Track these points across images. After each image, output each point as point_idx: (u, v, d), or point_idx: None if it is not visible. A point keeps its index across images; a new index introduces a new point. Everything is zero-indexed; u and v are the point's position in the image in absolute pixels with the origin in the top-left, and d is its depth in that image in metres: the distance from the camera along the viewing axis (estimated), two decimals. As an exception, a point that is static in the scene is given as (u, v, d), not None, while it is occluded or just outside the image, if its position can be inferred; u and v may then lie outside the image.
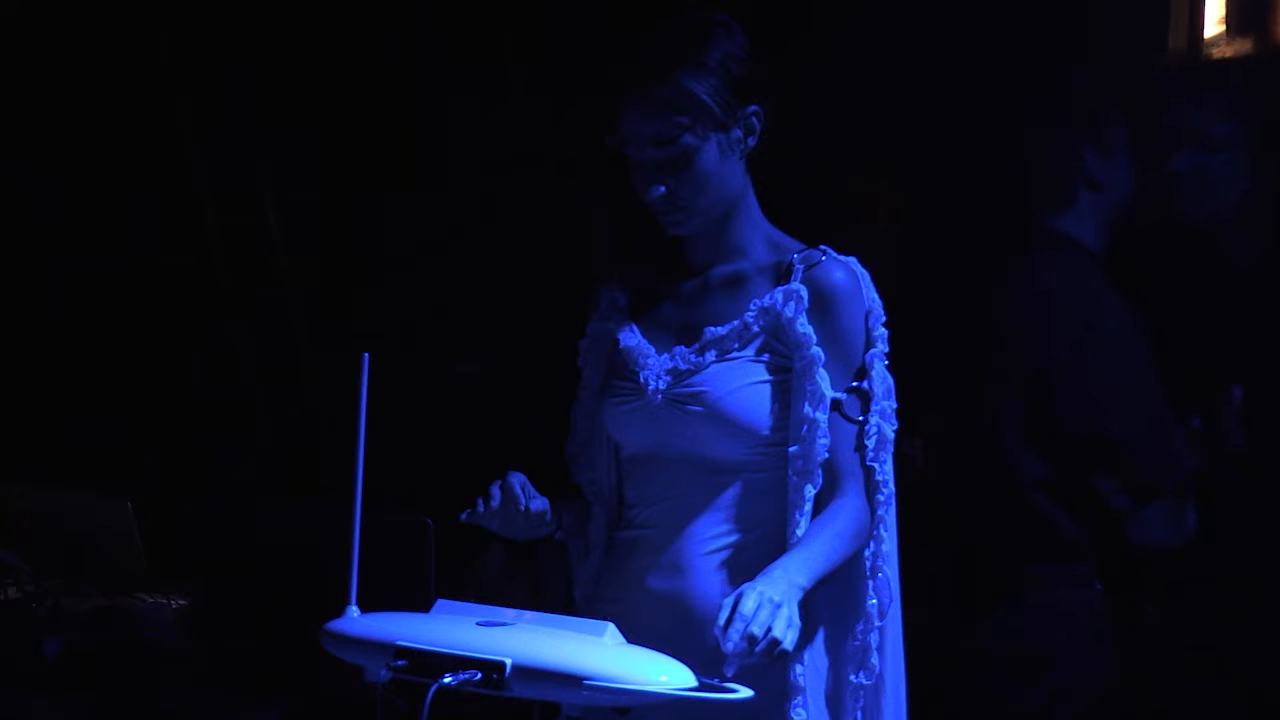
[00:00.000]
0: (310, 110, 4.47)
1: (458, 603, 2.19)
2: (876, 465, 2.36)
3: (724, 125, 2.33)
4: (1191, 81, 3.25)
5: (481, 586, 3.25)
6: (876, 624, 2.35)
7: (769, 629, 2.09)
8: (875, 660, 2.35)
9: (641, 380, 2.40)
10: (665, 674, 2.00)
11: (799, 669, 2.30)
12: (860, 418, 2.36)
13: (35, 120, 4.60)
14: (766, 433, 2.34)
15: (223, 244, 4.68)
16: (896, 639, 2.41)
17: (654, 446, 2.40)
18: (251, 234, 4.65)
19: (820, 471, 2.31)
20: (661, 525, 2.39)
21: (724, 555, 2.35)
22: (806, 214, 2.53)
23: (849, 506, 2.33)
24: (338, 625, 2.17)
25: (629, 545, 2.44)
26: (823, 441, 2.31)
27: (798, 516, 2.30)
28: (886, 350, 2.38)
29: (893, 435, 2.38)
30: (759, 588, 2.13)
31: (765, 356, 2.35)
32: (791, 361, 2.34)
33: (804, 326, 2.33)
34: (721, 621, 2.10)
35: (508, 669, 2.00)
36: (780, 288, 2.36)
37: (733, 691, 2.02)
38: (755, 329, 2.36)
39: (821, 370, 2.32)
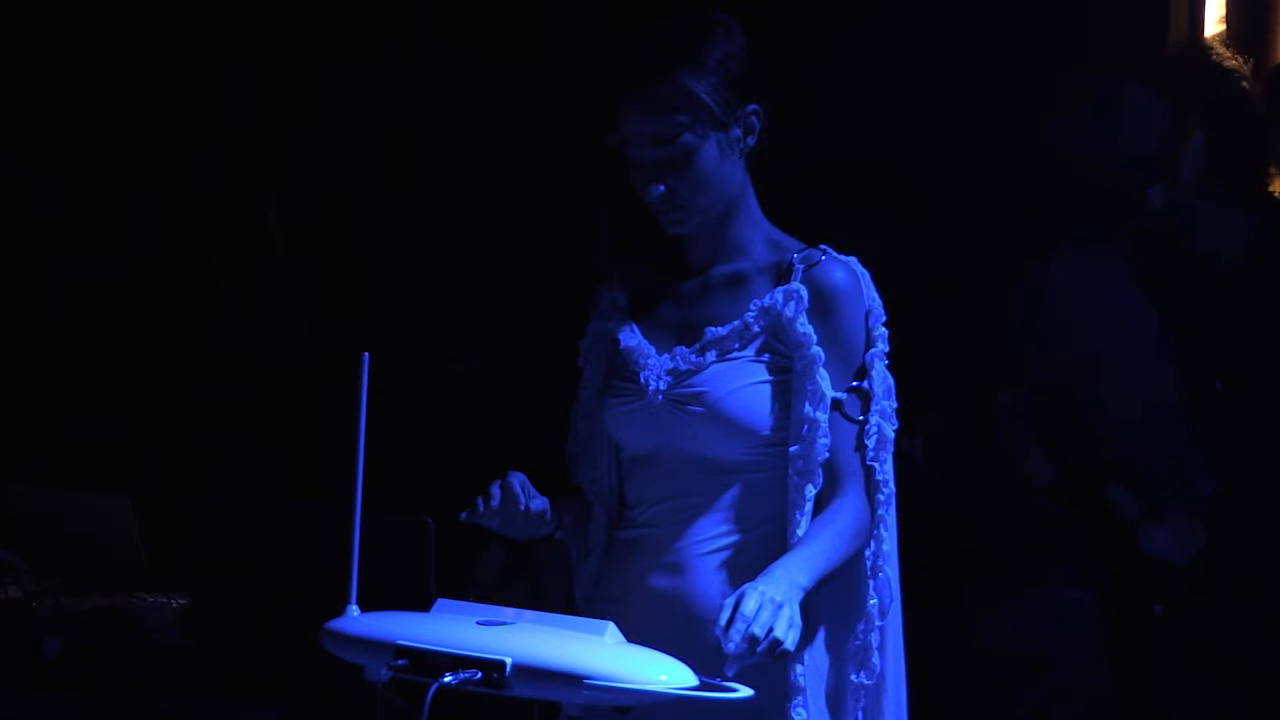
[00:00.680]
0: (310, 110, 4.47)
1: (458, 602, 2.19)
2: (876, 465, 2.37)
3: (723, 124, 2.34)
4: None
5: (481, 586, 3.25)
6: (877, 623, 2.36)
7: (770, 629, 2.09)
8: (876, 660, 2.35)
9: (642, 380, 2.40)
10: (665, 673, 2.00)
11: (800, 669, 2.30)
12: (860, 417, 2.36)
13: (35, 120, 4.60)
14: (767, 433, 2.34)
15: (223, 244, 4.67)
16: (897, 639, 2.42)
17: (654, 447, 2.40)
18: (251, 234, 4.65)
19: (821, 471, 2.31)
20: (662, 525, 2.39)
21: (724, 555, 2.35)
22: (807, 214, 2.54)
23: (849, 506, 2.33)
24: (338, 625, 2.17)
25: (629, 545, 2.44)
26: (823, 441, 2.31)
27: (798, 516, 2.30)
28: (886, 350, 2.38)
29: (893, 435, 2.38)
30: (760, 588, 2.13)
31: (766, 356, 2.35)
32: (792, 361, 2.34)
33: (804, 326, 2.33)
34: (723, 622, 2.10)
35: (508, 668, 2.00)
36: (780, 287, 2.36)
37: (733, 691, 2.02)
38: (755, 329, 2.36)
39: (822, 370, 2.32)
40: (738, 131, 2.36)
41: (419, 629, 2.10)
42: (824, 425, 2.31)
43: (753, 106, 2.36)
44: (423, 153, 4.40)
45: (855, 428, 2.35)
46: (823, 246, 2.39)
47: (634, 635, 2.10)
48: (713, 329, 2.38)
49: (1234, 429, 2.97)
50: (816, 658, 2.34)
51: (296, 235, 4.62)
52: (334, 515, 2.32)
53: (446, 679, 2.00)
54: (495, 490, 2.33)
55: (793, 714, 2.30)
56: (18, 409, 4.52)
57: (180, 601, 3.31)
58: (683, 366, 2.38)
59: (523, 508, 2.33)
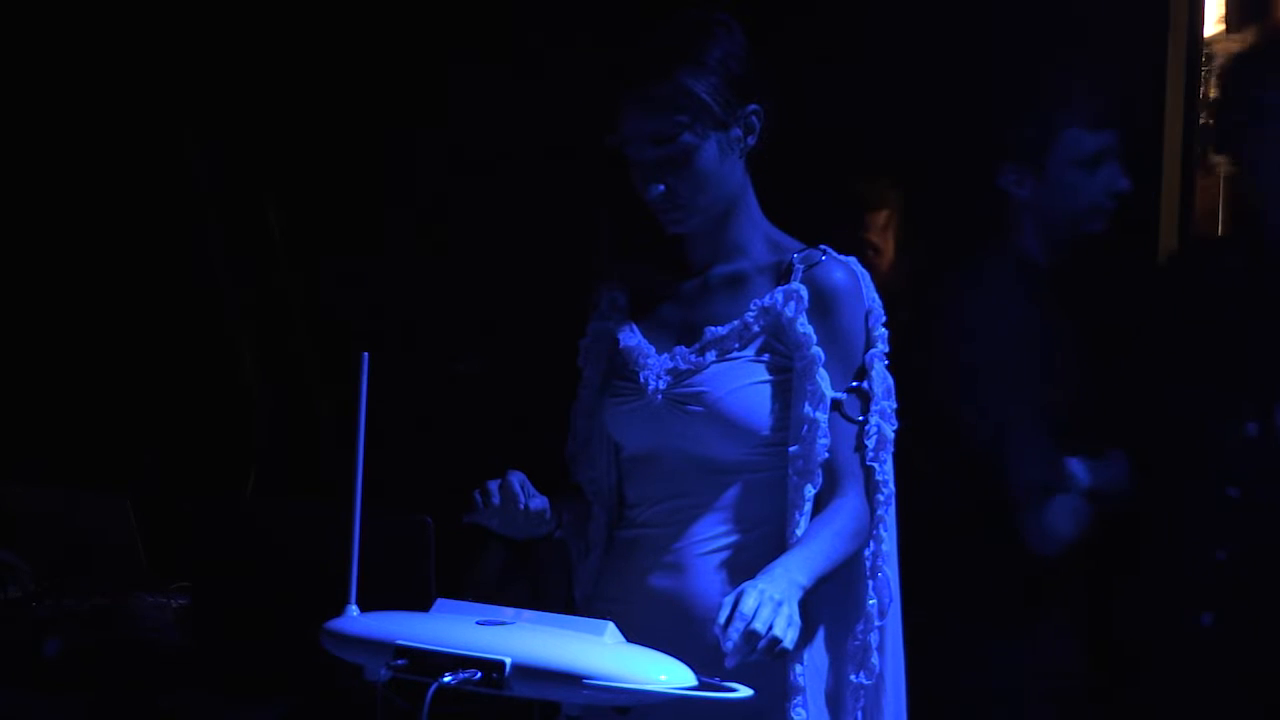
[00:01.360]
0: (310, 110, 4.47)
1: (458, 602, 2.19)
2: (876, 465, 2.37)
3: (724, 124, 2.34)
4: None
5: (481, 586, 3.24)
6: (876, 624, 2.36)
7: (769, 627, 2.09)
8: (875, 660, 2.36)
9: (642, 380, 2.40)
10: (665, 673, 2.00)
11: (799, 668, 2.30)
12: (860, 418, 2.36)
13: (35, 120, 4.60)
14: (767, 432, 2.34)
15: (223, 245, 4.67)
16: (897, 639, 2.42)
17: (654, 446, 2.40)
18: (252, 234, 4.65)
19: (820, 471, 2.31)
20: (662, 525, 2.40)
21: (724, 555, 2.35)
22: (806, 214, 2.54)
23: (849, 506, 2.33)
24: (338, 624, 2.17)
25: (629, 545, 2.44)
26: (823, 441, 2.31)
27: (798, 516, 2.31)
28: (886, 350, 2.38)
29: (893, 435, 2.39)
30: (759, 586, 2.13)
31: (765, 356, 2.35)
32: (792, 361, 2.34)
33: (804, 326, 2.33)
34: (721, 620, 2.10)
35: (507, 668, 2.00)
36: (780, 287, 2.36)
37: (733, 691, 2.02)
38: (755, 329, 2.36)
39: (822, 370, 2.32)
40: (738, 131, 2.36)
41: (419, 629, 2.10)
42: (824, 425, 2.31)
43: (753, 106, 2.36)
44: (422, 153, 4.40)
45: (855, 428, 2.36)
46: (823, 246, 2.40)
47: (634, 635, 2.10)
48: (712, 329, 2.38)
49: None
50: (816, 658, 2.34)
51: (296, 235, 4.62)
52: (334, 515, 2.32)
53: (446, 679, 2.00)
54: (495, 489, 2.34)
55: (792, 714, 2.30)
56: (18, 409, 4.53)
57: (180, 601, 3.31)
58: (682, 366, 2.38)
59: (522, 507, 2.33)
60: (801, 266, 2.37)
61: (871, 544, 2.36)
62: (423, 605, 2.19)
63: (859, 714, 2.37)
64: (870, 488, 2.37)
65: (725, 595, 2.15)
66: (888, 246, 3.53)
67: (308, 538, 2.80)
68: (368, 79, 4.40)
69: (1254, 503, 2.84)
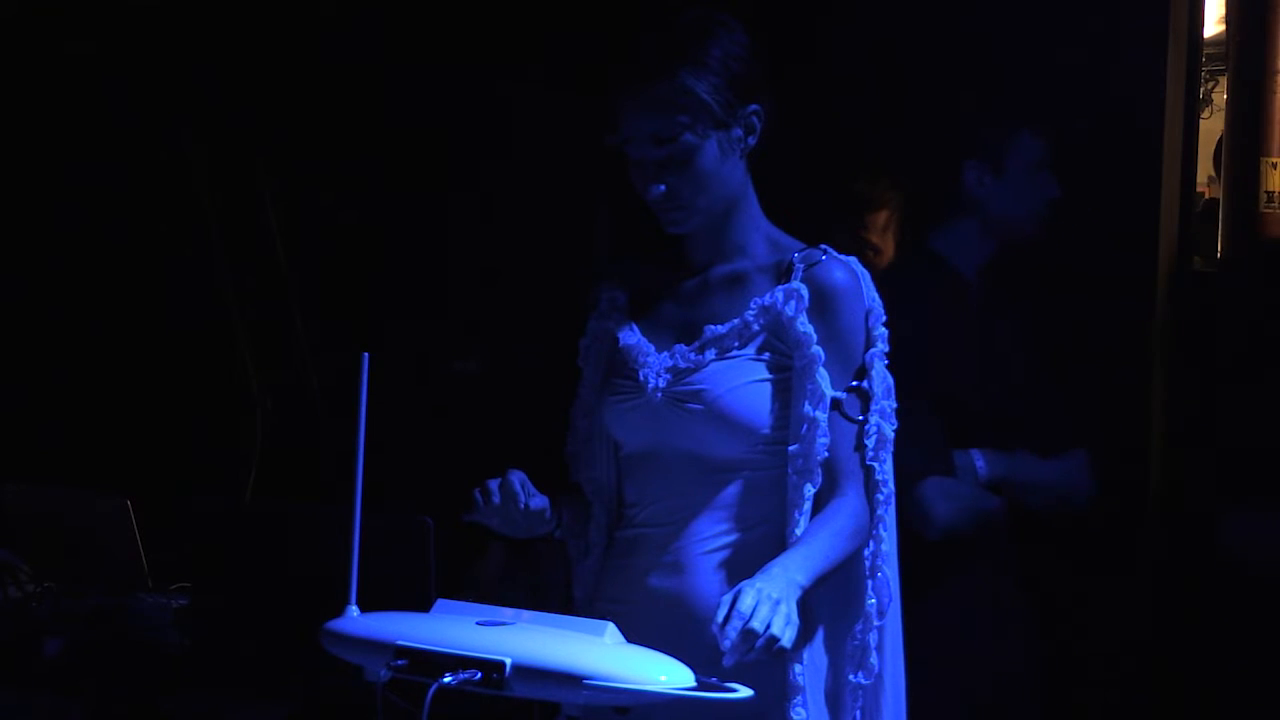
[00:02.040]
0: (310, 110, 4.47)
1: (458, 602, 2.18)
2: (876, 465, 2.37)
3: (724, 124, 2.33)
4: None
5: (481, 586, 3.24)
6: (875, 624, 2.36)
7: (767, 625, 2.09)
8: (874, 660, 2.35)
9: (641, 378, 2.40)
10: (665, 673, 2.00)
11: (798, 668, 2.30)
12: (860, 417, 2.36)
13: (35, 120, 4.60)
14: (766, 431, 2.34)
15: (223, 244, 4.67)
16: (896, 638, 2.42)
17: (654, 445, 2.40)
18: (252, 235, 4.65)
19: (820, 470, 2.31)
20: (661, 524, 2.39)
21: (724, 554, 2.35)
22: (806, 214, 2.53)
23: (848, 505, 2.33)
24: (338, 625, 2.17)
25: (629, 544, 2.44)
26: (822, 440, 2.31)
27: (797, 515, 2.30)
28: (886, 350, 2.38)
29: (892, 435, 2.39)
30: (758, 584, 2.13)
31: (765, 355, 2.35)
32: (791, 360, 2.34)
33: (804, 325, 2.33)
34: (720, 618, 2.10)
35: (508, 668, 2.00)
36: (780, 286, 2.36)
37: (732, 691, 2.02)
38: (755, 327, 2.36)
39: (821, 369, 2.32)
40: (739, 131, 2.36)
41: (419, 629, 2.10)
42: (823, 424, 2.31)
43: (754, 106, 2.36)
44: (423, 152, 4.40)
45: (855, 427, 2.36)
46: (823, 246, 2.40)
47: (634, 635, 2.10)
48: (712, 327, 2.38)
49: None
50: (815, 657, 2.34)
51: (296, 235, 4.62)
52: (334, 515, 2.32)
53: (446, 679, 2.00)
54: (495, 488, 2.34)
55: (791, 714, 2.30)
56: (17, 408, 4.53)
57: (180, 601, 3.31)
58: (682, 364, 2.38)
59: (522, 506, 2.33)
60: (802, 266, 2.37)
61: (871, 544, 2.36)
62: (423, 606, 2.19)
63: (858, 713, 2.37)
64: (870, 487, 2.36)
65: (724, 594, 2.15)
66: (888, 246, 3.53)
67: (308, 538, 2.80)
68: (368, 78, 4.40)
69: None
